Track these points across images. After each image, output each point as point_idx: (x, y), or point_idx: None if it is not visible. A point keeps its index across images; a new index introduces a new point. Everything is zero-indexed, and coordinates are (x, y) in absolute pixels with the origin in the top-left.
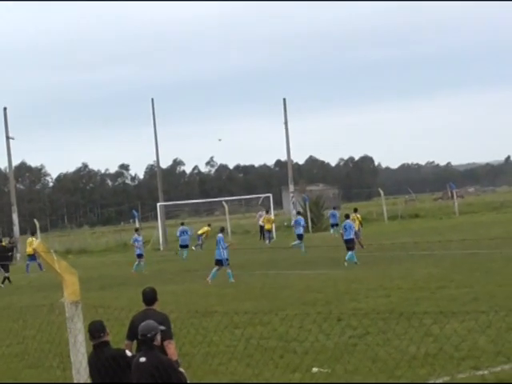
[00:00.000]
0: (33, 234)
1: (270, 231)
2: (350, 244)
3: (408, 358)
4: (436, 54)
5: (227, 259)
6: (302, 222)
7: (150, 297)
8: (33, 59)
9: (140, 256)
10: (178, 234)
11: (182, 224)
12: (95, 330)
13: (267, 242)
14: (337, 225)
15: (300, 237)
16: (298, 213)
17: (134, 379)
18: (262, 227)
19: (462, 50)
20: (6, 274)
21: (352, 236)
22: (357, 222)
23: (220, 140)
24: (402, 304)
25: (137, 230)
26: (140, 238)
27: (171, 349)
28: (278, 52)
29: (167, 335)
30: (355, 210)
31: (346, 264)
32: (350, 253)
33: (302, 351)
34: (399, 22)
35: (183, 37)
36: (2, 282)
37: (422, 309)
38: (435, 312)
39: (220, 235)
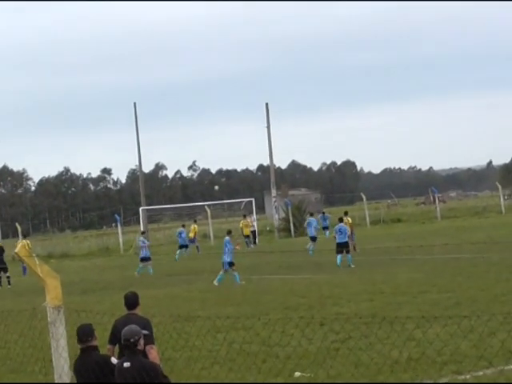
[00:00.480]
0: (25, 236)
1: (248, 236)
2: (345, 247)
3: (390, 362)
4: (418, 60)
5: (230, 262)
6: (314, 223)
7: (131, 301)
8: (15, 62)
9: (146, 259)
10: (176, 234)
11: (183, 226)
12: (83, 334)
13: (251, 245)
14: (327, 228)
15: (313, 239)
16: (311, 214)
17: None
18: (252, 232)
19: (444, 56)
20: (7, 274)
21: (346, 239)
22: (348, 226)
23: (217, 189)
24: (385, 308)
25: (143, 232)
26: (146, 241)
27: (153, 354)
28: (260, 56)
29: (149, 340)
30: (346, 213)
31: (352, 266)
32: (349, 255)
33: (285, 356)
34: (382, 27)
35: (166, 41)
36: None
37: (405, 313)
38: (417, 316)
39: (227, 238)
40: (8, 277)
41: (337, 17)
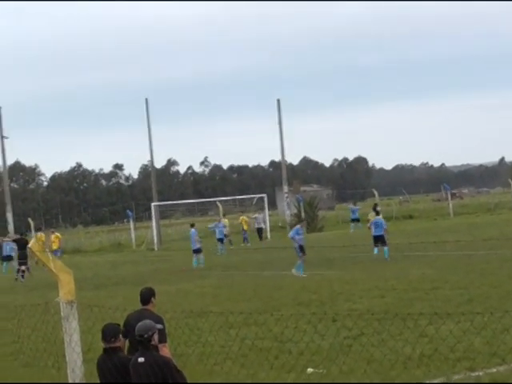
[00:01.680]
0: (40, 229)
1: (246, 231)
2: (381, 240)
3: (403, 358)
4: (431, 57)
5: (301, 246)
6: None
7: (145, 296)
8: (28, 59)
9: (198, 251)
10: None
11: (219, 221)
12: (107, 334)
13: (248, 244)
14: (358, 220)
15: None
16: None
17: (133, 379)
18: (258, 229)
19: (458, 54)
20: (23, 268)
21: (382, 232)
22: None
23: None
24: (397, 305)
25: (192, 225)
26: (196, 233)
27: (165, 352)
28: (272, 53)
29: (161, 338)
30: (375, 206)
31: (388, 259)
32: (385, 248)
33: (297, 352)
34: (394, 26)
35: (179, 38)
36: (22, 276)
37: (417, 310)
38: (430, 313)
39: (298, 226)
40: (23, 271)
41: (350, 15)
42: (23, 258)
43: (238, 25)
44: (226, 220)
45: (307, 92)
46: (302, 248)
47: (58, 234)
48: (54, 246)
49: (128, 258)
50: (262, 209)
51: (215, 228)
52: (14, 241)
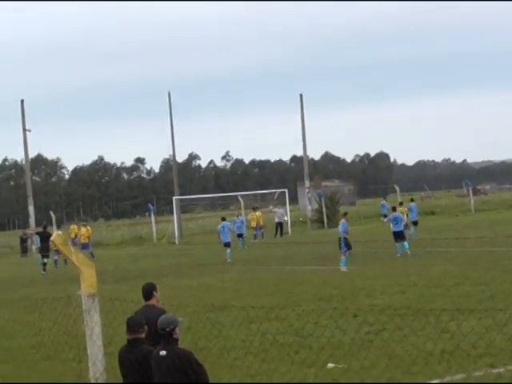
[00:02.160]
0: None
1: (255, 228)
2: (400, 236)
3: (424, 354)
4: (453, 53)
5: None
6: (415, 210)
7: (146, 292)
8: (50, 52)
9: (229, 244)
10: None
11: (237, 216)
12: (134, 325)
13: (259, 238)
14: (385, 216)
15: (415, 223)
16: (411, 200)
17: (154, 372)
18: (278, 223)
19: (480, 49)
20: (45, 260)
21: (402, 228)
22: (405, 215)
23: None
24: (418, 300)
25: (223, 219)
26: (229, 226)
27: None
28: (295, 48)
29: None
30: (401, 204)
31: (409, 253)
32: (405, 243)
33: (318, 347)
34: (419, 19)
35: (202, 31)
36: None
37: (438, 306)
38: (452, 309)
39: (343, 220)
40: (45, 263)
41: (373, 9)
42: (46, 250)
43: (261, 19)
44: (259, 213)
45: (330, 87)
46: (346, 242)
47: (89, 228)
48: (84, 240)
49: (149, 252)
50: (283, 203)
51: (234, 224)
52: (37, 233)
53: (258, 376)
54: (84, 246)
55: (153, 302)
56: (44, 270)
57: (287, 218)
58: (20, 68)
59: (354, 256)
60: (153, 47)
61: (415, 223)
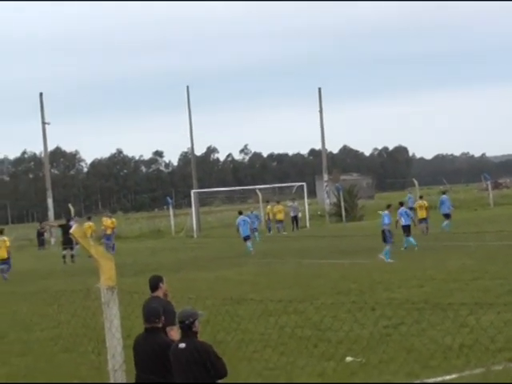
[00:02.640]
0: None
1: (281, 221)
2: (407, 230)
3: (443, 348)
4: (472, 47)
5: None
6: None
7: (152, 284)
8: (69, 45)
9: (248, 238)
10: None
11: (252, 211)
12: (151, 314)
13: (284, 232)
14: (411, 208)
15: (447, 216)
16: (443, 192)
17: (173, 365)
18: (294, 217)
19: (498, 43)
20: (64, 252)
21: (410, 222)
22: (423, 210)
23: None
24: (436, 295)
25: (241, 212)
26: (249, 220)
27: (172, 335)
28: (313, 41)
29: (171, 321)
30: (421, 197)
31: (416, 249)
32: (410, 238)
33: (337, 340)
34: (437, 15)
35: (221, 24)
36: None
37: (456, 300)
38: (471, 303)
39: (386, 212)
40: (72, 255)
41: (391, 4)
42: (68, 242)
43: (279, 13)
44: (281, 206)
45: (349, 80)
46: (390, 233)
47: (114, 220)
48: (109, 231)
49: (167, 245)
50: (298, 197)
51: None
52: (60, 226)
53: (277, 369)
54: (108, 238)
55: (158, 293)
56: (64, 262)
57: (299, 214)
58: (39, 61)
59: (372, 250)
60: (174, 40)
61: (446, 216)
